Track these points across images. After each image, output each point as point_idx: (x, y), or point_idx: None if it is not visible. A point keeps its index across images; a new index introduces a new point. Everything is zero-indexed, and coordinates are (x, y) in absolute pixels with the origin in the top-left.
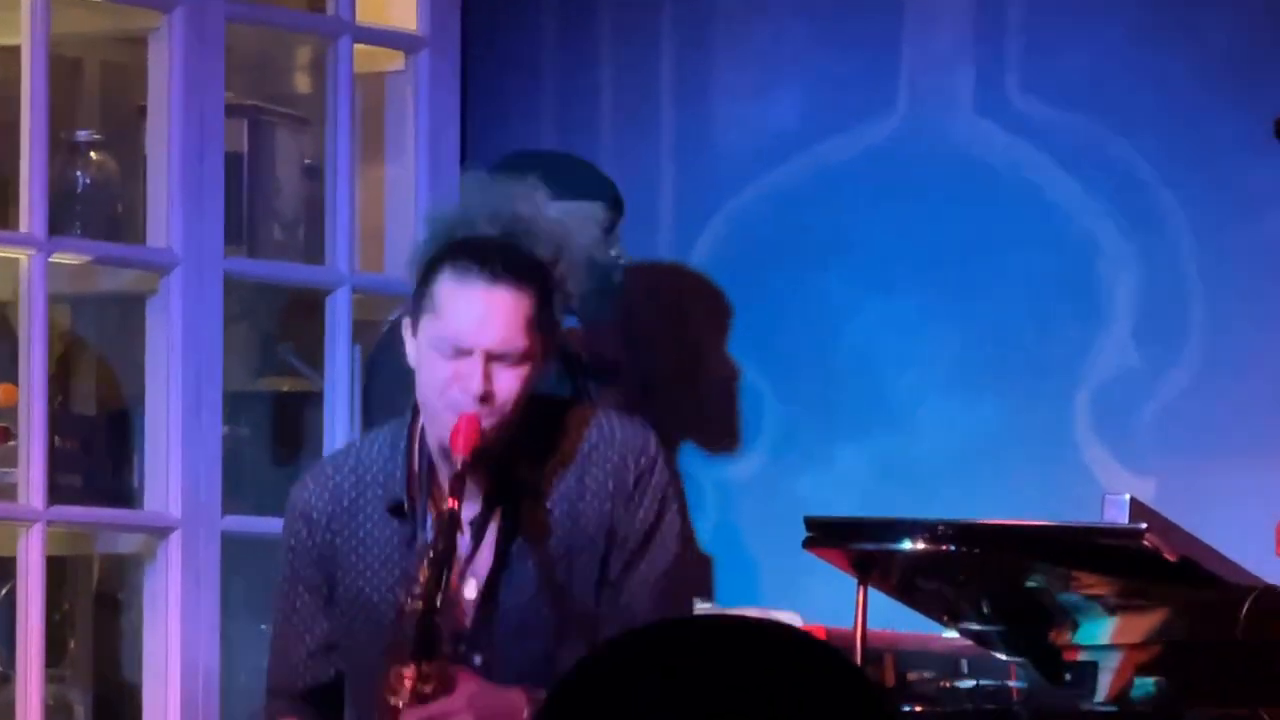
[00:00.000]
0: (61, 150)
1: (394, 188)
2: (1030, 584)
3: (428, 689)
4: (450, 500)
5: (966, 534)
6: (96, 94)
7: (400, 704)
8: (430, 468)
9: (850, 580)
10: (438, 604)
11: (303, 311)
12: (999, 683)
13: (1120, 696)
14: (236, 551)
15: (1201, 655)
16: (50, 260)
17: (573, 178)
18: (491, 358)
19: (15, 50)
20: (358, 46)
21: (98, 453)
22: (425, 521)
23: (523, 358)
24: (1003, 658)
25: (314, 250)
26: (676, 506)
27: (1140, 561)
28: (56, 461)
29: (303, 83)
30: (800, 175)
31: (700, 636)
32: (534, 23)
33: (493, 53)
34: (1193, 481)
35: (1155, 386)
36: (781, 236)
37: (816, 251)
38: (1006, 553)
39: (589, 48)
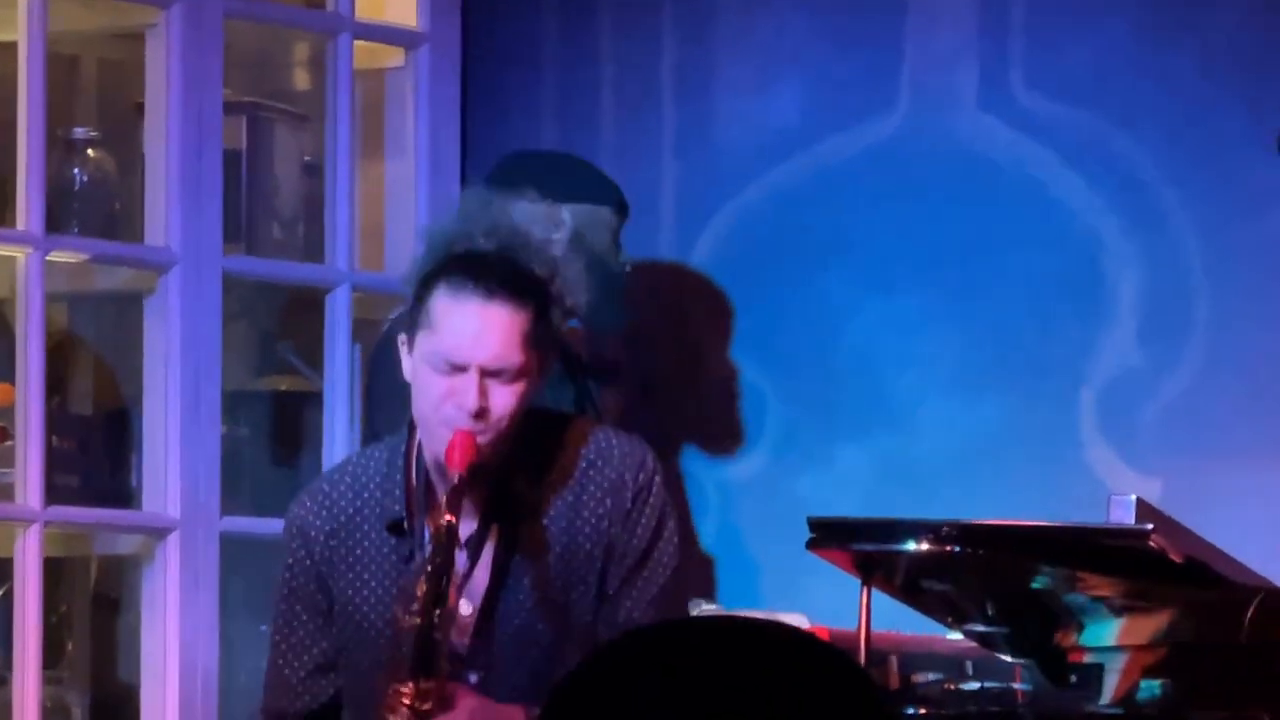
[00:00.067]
0: (59, 148)
1: (394, 185)
2: (1035, 585)
3: (426, 706)
4: (447, 514)
5: (971, 535)
6: (94, 91)
7: None
8: (428, 485)
9: (853, 581)
10: (436, 619)
11: (302, 310)
12: (1004, 685)
13: (1126, 699)
14: (235, 552)
15: (1207, 657)
16: (47, 259)
17: (579, 180)
18: (487, 374)
19: (12, 47)
20: (357, 43)
21: (95, 453)
22: (424, 539)
23: (518, 374)
24: (1008, 660)
25: (313, 248)
26: (673, 523)
27: (1146, 563)
28: (54, 461)
29: (302, 79)
30: (801, 174)
31: (701, 637)
32: (534, 19)
33: (493, 49)
34: (1196, 481)
35: (1159, 386)
36: (782, 236)
37: (817, 251)
38: (1011, 554)
39: (590, 44)
